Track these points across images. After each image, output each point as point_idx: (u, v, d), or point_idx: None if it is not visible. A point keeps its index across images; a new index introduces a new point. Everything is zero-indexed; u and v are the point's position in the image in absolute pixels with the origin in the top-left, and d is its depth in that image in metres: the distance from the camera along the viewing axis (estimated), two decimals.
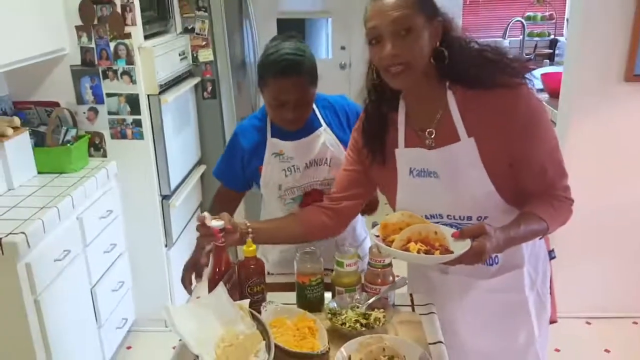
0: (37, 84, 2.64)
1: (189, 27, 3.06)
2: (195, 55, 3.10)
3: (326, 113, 1.79)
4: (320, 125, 1.76)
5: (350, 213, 1.60)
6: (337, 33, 4.97)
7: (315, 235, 1.58)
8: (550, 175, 1.33)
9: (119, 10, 2.50)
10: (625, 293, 2.85)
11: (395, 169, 1.43)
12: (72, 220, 2.31)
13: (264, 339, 1.27)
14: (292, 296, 1.52)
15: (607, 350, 2.70)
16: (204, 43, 3.08)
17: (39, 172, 2.51)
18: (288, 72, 1.59)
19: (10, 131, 2.30)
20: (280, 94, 1.61)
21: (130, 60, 2.56)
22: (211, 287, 1.41)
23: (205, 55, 3.10)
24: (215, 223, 1.38)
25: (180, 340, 1.35)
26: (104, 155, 2.71)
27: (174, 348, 1.36)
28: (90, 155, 2.70)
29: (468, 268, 1.37)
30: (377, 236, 1.33)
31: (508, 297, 1.46)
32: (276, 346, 1.25)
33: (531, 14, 5.13)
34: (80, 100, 2.65)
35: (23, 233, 1.95)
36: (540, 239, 1.40)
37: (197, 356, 1.21)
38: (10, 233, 1.95)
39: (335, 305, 1.42)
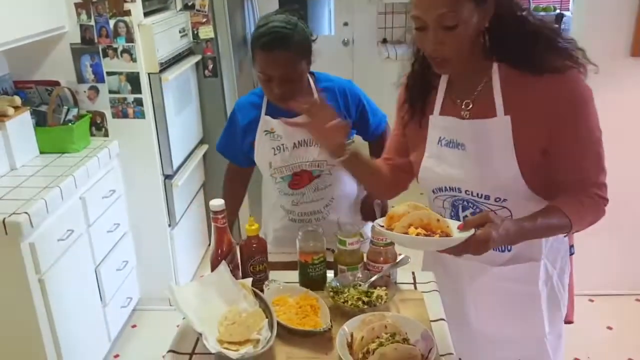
0: (37, 63, 2.62)
1: (189, 4, 3.02)
2: (195, 32, 3.06)
3: (324, 95, 1.75)
4: None
5: (400, 180, 1.53)
6: (339, 9, 4.90)
7: (391, 192, 1.56)
8: (586, 168, 1.27)
9: None
10: (628, 270, 2.85)
11: (426, 135, 1.40)
12: (75, 200, 2.31)
13: (267, 317, 1.27)
14: (294, 275, 1.52)
15: (609, 327, 2.71)
16: (204, 20, 3.04)
17: (40, 152, 2.50)
18: (274, 45, 1.55)
19: (11, 111, 2.29)
20: (266, 67, 1.59)
21: (130, 38, 2.53)
22: (213, 267, 1.42)
23: (205, 32, 3.06)
24: (215, 203, 1.38)
25: (183, 318, 1.35)
26: (106, 135, 2.71)
27: (178, 326, 1.37)
28: (92, 135, 2.69)
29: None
30: (382, 226, 1.29)
31: (519, 288, 1.41)
32: (279, 324, 1.26)
33: None
34: (80, 79, 2.63)
35: (26, 213, 1.96)
36: (565, 236, 1.37)
37: (200, 334, 1.22)
38: (13, 213, 1.95)
39: (338, 283, 1.42)
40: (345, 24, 5.00)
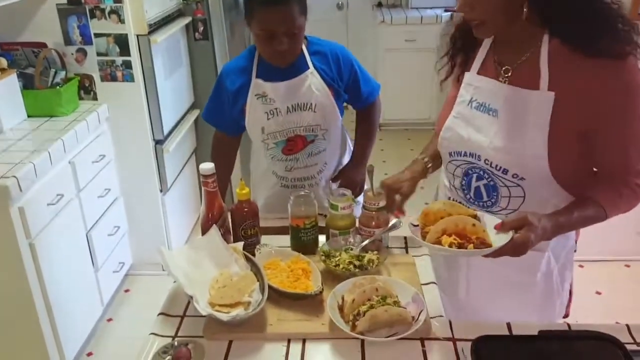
0: (23, 24, 2.54)
1: None
2: None
3: (316, 58, 1.73)
4: (308, 68, 1.70)
5: None
6: None
7: None
8: (630, 157, 1.21)
9: None
10: (618, 236, 2.87)
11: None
12: (64, 164, 2.28)
13: (258, 280, 1.27)
14: (286, 239, 1.52)
15: (598, 292, 2.75)
16: None
17: (28, 116, 2.46)
18: (275, 0, 1.53)
19: None
20: (268, 23, 1.56)
21: None
22: (204, 232, 1.41)
23: None
24: (205, 167, 1.36)
25: (175, 282, 1.35)
26: (95, 98, 2.66)
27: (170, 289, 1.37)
28: (80, 98, 2.64)
29: None
30: (416, 225, 1.26)
31: (516, 277, 1.36)
32: (270, 287, 1.26)
33: None
34: (67, 40, 2.57)
35: (14, 177, 1.93)
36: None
37: (191, 297, 1.22)
38: (1, 177, 1.92)
39: (329, 247, 1.42)
40: None
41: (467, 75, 1.33)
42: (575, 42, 1.15)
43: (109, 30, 2.53)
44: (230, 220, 1.46)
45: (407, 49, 4.50)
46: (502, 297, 1.40)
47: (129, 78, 2.61)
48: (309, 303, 1.26)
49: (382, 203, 1.44)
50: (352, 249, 1.41)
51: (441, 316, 1.25)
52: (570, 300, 1.46)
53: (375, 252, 1.40)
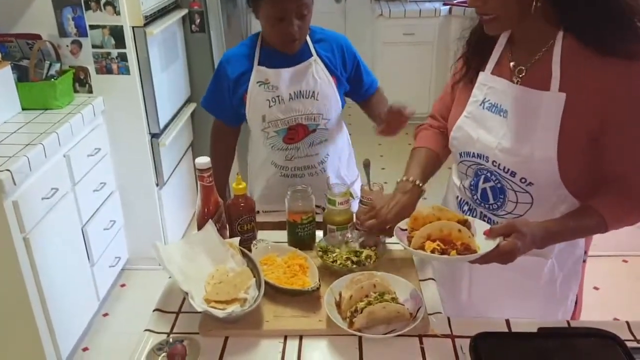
0: (17, 15, 2.51)
1: None
2: None
3: (320, 46, 1.72)
4: (311, 56, 1.69)
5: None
6: None
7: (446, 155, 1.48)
8: (637, 165, 1.16)
9: None
10: (615, 231, 2.86)
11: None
12: (59, 157, 2.26)
13: (254, 276, 1.26)
14: (283, 235, 1.50)
15: (596, 288, 2.74)
16: None
17: (23, 109, 2.43)
18: None
19: None
20: (281, 3, 1.55)
21: None
22: (200, 227, 1.39)
23: None
24: (201, 161, 1.34)
25: (170, 277, 1.33)
26: (90, 91, 2.63)
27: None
28: (76, 91, 2.61)
29: None
30: (404, 230, 1.25)
31: (519, 281, 1.32)
32: (266, 283, 1.24)
33: None
34: (62, 32, 2.54)
35: (8, 170, 1.91)
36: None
37: (187, 293, 1.20)
38: None
39: (326, 243, 1.40)
40: None
41: (481, 75, 1.30)
42: (589, 40, 1.11)
43: (104, 22, 2.50)
44: (226, 215, 1.44)
45: (406, 43, 4.47)
46: (503, 301, 1.37)
47: (125, 70, 2.59)
48: (306, 299, 1.25)
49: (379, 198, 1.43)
50: (349, 242, 1.40)
51: (439, 313, 1.24)
52: (576, 309, 1.40)
53: (373, 247, 1.38)
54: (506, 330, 1.19)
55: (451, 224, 1.18)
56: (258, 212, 1.85)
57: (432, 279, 1.36)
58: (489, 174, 1.27)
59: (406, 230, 1.24)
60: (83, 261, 2.46)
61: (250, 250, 1.37)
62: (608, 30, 1.09)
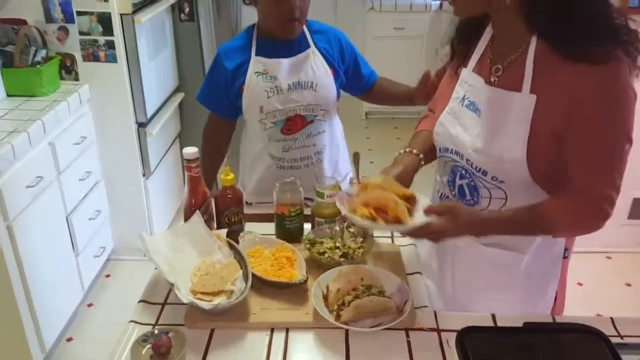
0: None
1: None
2: None
3: (317, 37, 1.72)
4: (309, 47, 1.69)
5: None
6: None
7: None
8: (596, 175, 1.13)
9: None
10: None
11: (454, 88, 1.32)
12: (44, 145, 2.22)
13: (241, 268, 1.25)
14: (271, 227, 1.50)
15: (579, 284, 2.77)
16: None
17: (7, 95, 2.40)
18: None
19: None
20: None
21: None
22: (187, 218, 1.38)
23: None
24: (188, 151, 1.32)
25: (155, 268, 1.32)
26: (76, 79, 2.59)
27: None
28: (62, 78, 2.57)
29: None
30: (350, 195, 1.25)
31: (497, 274, 1.32)
32: (253, 275, 1.23)
33: None
34: (49, 18, 2.49)
35: None
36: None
37: (172, 284, 1.19)
38: None
39: (314, 235, 1.40)
40: None
41: (463, 71, 1.30)
42: (557, 45, 1.11)
43: (92, 8, 2.46)
44: (213, 206, 1.43)
45: (396, 37, 4.46)
46: (485, 294, 1.37)
47: (112, 58, 2.55)
48: (293, 292, 1.24)
49: None
50: (350, 230, 1.39)
51: (426, 307, 1.24)
52: (556, 304, 1.40)
53: (361, 240, 1.38)
54: (492, 324, 1.20)
55: (388, 195, 1.18)
56: (251, 203, 1.85)
57: (419, 273, 1.37)
58: (463, 171, 1.28)
59: (351, 196, 1.24)
60: (68, 251, 2.43)
61: (237, 242, 1.36)
62: (575, 36, 1.08)
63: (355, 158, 1.50)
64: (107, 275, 2.90)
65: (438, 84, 1.50)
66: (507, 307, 1.30)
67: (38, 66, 2.40)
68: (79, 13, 2.47)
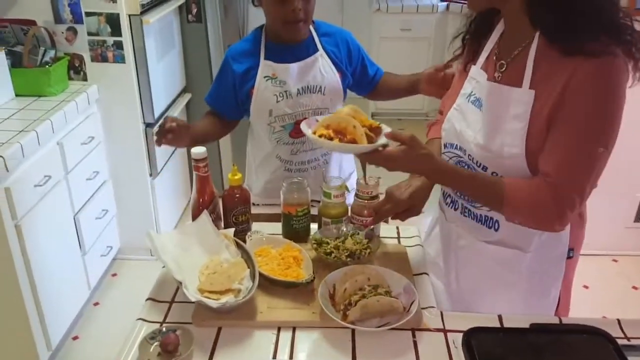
0: (12, 0, 2.48)
1: None
2: None
3: (325, 40, 1.72)
4: (317, 51, 1.69)
5: None
6: None
7: None
8: (561, 172, 1.12)
9: None
10: (605, 231, 2.89)
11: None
12: (52, 145, 2.24)
13: (249, 267, 1.26)
14: (278, 227, 1.50)
15: (585, 287, 2.77)
16: None
17: (16, 95, 2.41)
18: None
19: None
20: None
21: None
22: (195, 217, 1.39)
23: None
24: (197, 151, 1.33)
25: (163, 267, 1.33)
26: (85, 79, 2.61)
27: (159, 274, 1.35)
28: (70, 79, 2.59)
29: (469, 225, 1.32)
30: (317, 120, 1.29)
31: (500, 272, 1.32)
32: (260, 274, 1.24)
33: None
34: (58, 19, 2.51)
35: (1, 157, 1.89)
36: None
37: (180, 282, 1.20)
38: None
39: (321, 235, 1.41)
40: None
41: (472, 68, 1.31)
42: (553, 39, 1.11)
43: (101, 9, 2.47)
44: (221, 206, 1.44)
45: (402, 38, 4.46)
46: (489, 291, 1.38)
47: (120, 59, 2.57)
48: (300, 291, 1.25)
49: (375, 192, 1.43)
50: (358, 233, 1.40)
51: (433, 307, 1.24)
52: (560, 306, 1.38)
53: (367, 241, 1.39)
54: (498, 325, 1.20)
55: (348, 119, 1.21)
56: (257, 205, 1.85)
57: (426, 274, 1.37)
58: (465, 167, 1.28)
59: (317, 122, 1.28)
60: (74, 250, 2.45)
61: (244, 242, 1.37)
62: (572, 31, 1.08)
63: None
64: (114, 274, 2.91)
65: (448, 77, 1.51)
66: (511, 305, 1.31)
67: (47, 66, 2.42)
68: (88, 14, 2.49)
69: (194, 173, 1.37)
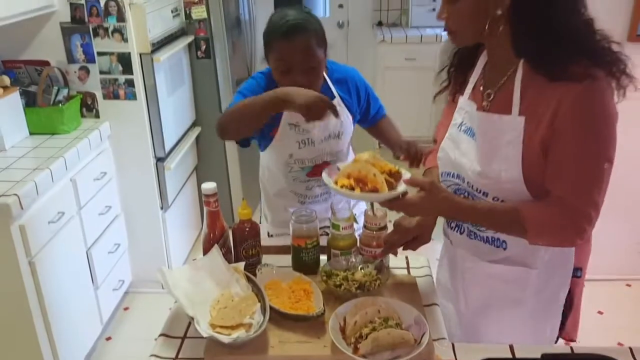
0: (26, 42, 2.56)
1: None
2: (188, 12, 3.01)
3: (339, 87, 1.74)
4: (334, 97, 1.71)
5: None
6: None
7: None
8: (580, 187, 1.16)
9: None
10: (619, 255, 2.86)
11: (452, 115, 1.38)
12: (66, 181, 2.28)
13: (259, 301, 1.27)
14: (288, 259, 1.51)
15: (600, 312, 2.73)
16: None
17: (30, 133, 2.47)
18: (293, 32, 1.53)
19: (0, 91, 2.25)
20: (285, 55, 1.55)
21: (121, 17, 2.48)
22: (206, 251, 1.40)
23: (198, 12, 3.01)
24: (207, 186, 1.36)
25: (175, 302, 1.34)
26: (97, 116, 2.67)
27: (170, 310, 1.36)
28: (83, 116, 2.65)
29: (475, 246, 1.34)
30: (338, 168, 1.34)
31: (506, 290, 1.35)
32: (271, 308, 1.25)
33: None
34: (70, 59, 2.59)
35: (16, 195, 1.93)
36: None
37: (192, 318, 1.21)
38: (2, 195, 1.92)
39: (330, 267, 1.42)
40: (340, 5, 4.95)
41: (460, 98, 1.36)
42: (537, 67, 1.15)
43: (112, 48, 2.55)
44: (231, 239, 1.46)
45: (407, 68, 4.53)
46: (495, 311, 1.39)
47: (132, 96, 2.63)
48: (310, 325, 1.25)
49: (383, 223, 1.44)
50: (368, 266, 1.40)
51: (444, 339, 1.24)
52: (576, 324, 1.41)
53: (377, 272, 1.39)
54: (510, 356, 1.19)
55: (368, 167, 1.25)
56: (272, 235, 1.87)
57: (436, 304, 1.37)
58: (466, 194, 1.32)
59: (340, 170, 1.33)
60: (87, 284, 2.47)
61: (255, 275, 1.38)
62: (555, 57, 1.12)
63: None
64: (126, 308, 2.92)
65: (420, 155, 1.56)
66: (518, 327, 1.33)
67: (60, 105, 2.48)
68: (100, 53, 2.56)
69: (205, 208, 1.39)
